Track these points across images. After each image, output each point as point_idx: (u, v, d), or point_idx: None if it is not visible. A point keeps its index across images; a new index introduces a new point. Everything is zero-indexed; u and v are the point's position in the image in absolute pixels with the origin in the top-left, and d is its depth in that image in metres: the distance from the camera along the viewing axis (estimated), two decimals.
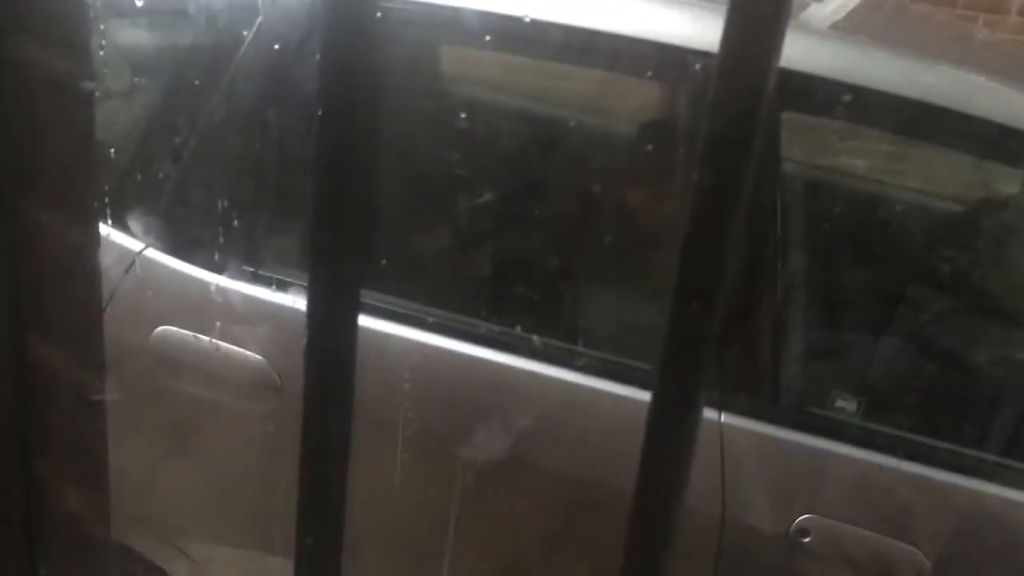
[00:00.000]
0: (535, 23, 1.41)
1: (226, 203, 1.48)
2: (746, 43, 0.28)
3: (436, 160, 1.61)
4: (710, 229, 0.29)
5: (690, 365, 0.31)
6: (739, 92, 0.28)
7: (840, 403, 1.41)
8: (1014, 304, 1.81)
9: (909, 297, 1.74)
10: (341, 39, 0.35)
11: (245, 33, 1.44)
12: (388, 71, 1.60)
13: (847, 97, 1.43)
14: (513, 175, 1.66)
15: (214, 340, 1.47)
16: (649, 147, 1.70)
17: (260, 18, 1.44)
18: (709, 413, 1.38)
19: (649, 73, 1.49)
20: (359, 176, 0.35)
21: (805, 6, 2.20)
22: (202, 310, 1.49)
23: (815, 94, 1.45)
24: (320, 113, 0.34)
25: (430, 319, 1.46)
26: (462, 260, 1.63)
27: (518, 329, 1.46)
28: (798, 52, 1.46)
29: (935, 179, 2.25)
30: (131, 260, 1.50)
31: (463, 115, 1.61)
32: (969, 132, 1.43)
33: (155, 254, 1.51)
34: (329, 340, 0.37)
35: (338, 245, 0.36)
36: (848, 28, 1.90)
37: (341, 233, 0.35)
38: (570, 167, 1.71)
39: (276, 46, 1.43)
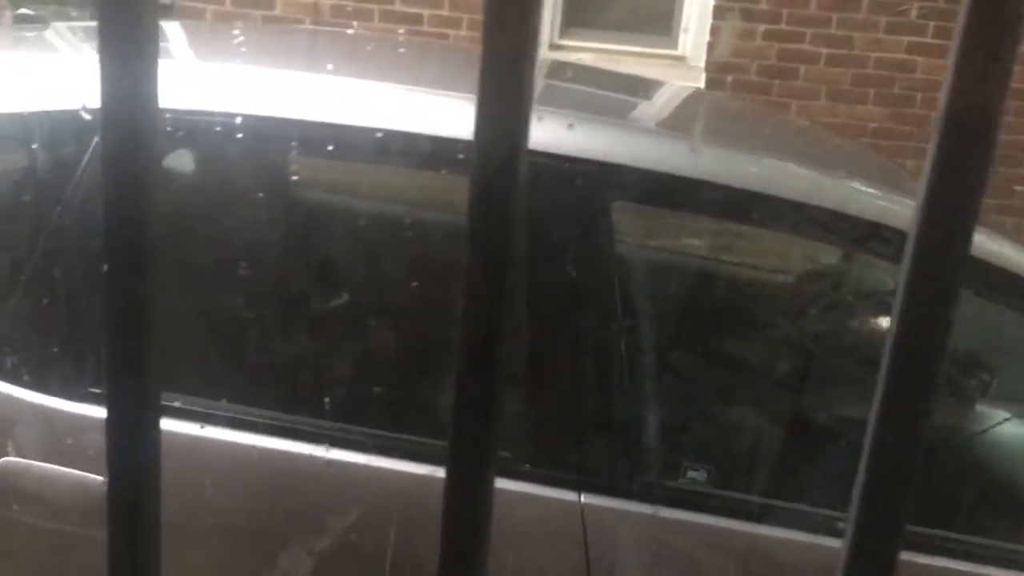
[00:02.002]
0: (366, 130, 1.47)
1: (69, 327, 1.45)
2: (496, 135, 0.33)
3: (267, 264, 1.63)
4: (483, 307, 0.34)
5: (478, 438, 0.35)
6: (494, 179, 0.33)
7: (691, 474, 1.48)
8: (846, 363, 1.95)
9: (750, 364, 1.85)
10: (121, 161, 0.38)
11: (82, 154, 1.43)
12: (230, 182, 1.63)
13: (675, 187, 1.54)
14: (346, 275, 1.70)
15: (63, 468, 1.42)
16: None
17: (96, 139, 1.44)
18: (569, 495, 1.42)
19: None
20: (150, 286, 0.38)
21: (635, 106, 2.37)
22: (49, 437, 1.43)
23: (645, 186, 1.55)
24: (105, 226, 0.37)
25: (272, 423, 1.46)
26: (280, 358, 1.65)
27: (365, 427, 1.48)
28: (628, 148, 1.57)
29: (766, 255, 2.42)
30: None
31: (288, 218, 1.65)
32: (788, 214, 1.56)
33: None
34: (131, 452, 0.39)
35: (134, 354, 0.38)
36: (673, 125, 2.06)
37: (137, 342, 0.38)
38: (401, 265, 1.76)
39: None
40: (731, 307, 2.22)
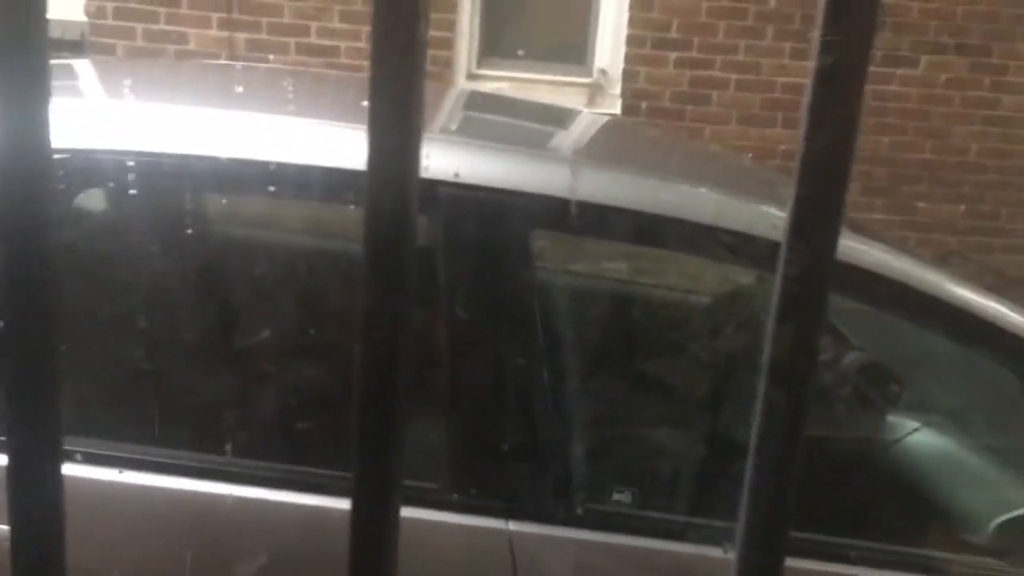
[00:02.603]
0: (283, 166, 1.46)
1: None
2: (389, 164, 0.33)
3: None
4: (381, 335, 0.34)
5: (381, 467, 0.35)
6: (389, 207, 0.33)
7: (617, 496, 1.49)
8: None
9: (671, 385, 1.88)
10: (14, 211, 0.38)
11: None
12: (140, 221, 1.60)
13: (593, 215, 1.56)
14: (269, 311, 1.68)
15: None
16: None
17: None
18: (497, 522, 1.42)
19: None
20: (51, 334, 0.37)
21: (551, 135, 2.40)
22: None
23: (562, 214, 1.57)
24: (3, 274, 0.36)
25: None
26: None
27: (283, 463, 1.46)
28: (546, 177, 1.59)
29: (684, 277, 2.46)
30: None
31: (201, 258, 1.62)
32: (703, 238, 1.59)
33: None
34: (34, 500, 0.38)
35: (35, 403, 0.37)
36: (591, 154, 2.09)
37: (38, 391, 0.37)
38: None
39: None
40: (651, 330, 2.26)
